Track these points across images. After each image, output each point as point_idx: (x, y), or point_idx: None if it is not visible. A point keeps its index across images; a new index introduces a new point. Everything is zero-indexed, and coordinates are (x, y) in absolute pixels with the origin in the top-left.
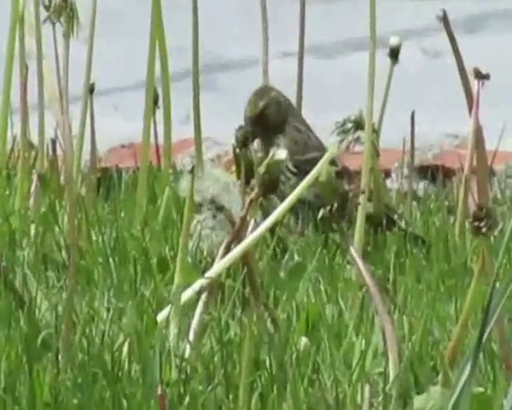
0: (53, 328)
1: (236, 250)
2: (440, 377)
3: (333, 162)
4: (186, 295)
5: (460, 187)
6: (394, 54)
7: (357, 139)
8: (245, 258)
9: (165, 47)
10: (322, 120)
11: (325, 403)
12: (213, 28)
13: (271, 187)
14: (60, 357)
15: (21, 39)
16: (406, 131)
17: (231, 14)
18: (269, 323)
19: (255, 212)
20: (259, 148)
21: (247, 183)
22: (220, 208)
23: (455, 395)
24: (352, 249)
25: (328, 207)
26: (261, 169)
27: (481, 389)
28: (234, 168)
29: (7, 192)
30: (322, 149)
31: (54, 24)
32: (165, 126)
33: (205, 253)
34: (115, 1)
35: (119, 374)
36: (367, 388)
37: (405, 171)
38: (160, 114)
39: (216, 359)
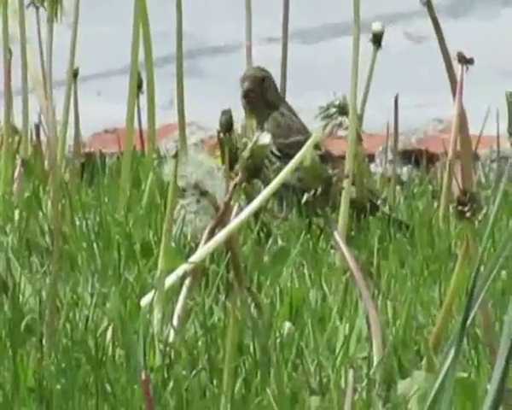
0: (37, 313)
1: (220, 235)
2: (424, 361)
3: (316, 147)
4: (170, 280)
5: (444, 172)
6: (377, 39)
7: (341, 124)
8: (229, 243)
9: (149, 32)
10: (306, 104)
11: (309, 388)
12: (197, 13)
13: (255, 172)
14: (43, 342)
15: (5, 23)
16: (390, 115)
17: None
18: (252, 308)
19: (239, 197)
20: (247, 118)
21: (231, 168)
22: (204, 193)
23: (439, 380)
24: (335, 234)
25: (312, 192)
26: (245, 154)
27: (465, 374)
28: (218, 153)
29: None
30: (305, 133)
31: (37, 8)
32: (148, 111)
33: (188, 238)
34: None
35: (103, 359)
36: (351, 372)
37: (389, 155)
38: (143, 99)
39: (200, 344)
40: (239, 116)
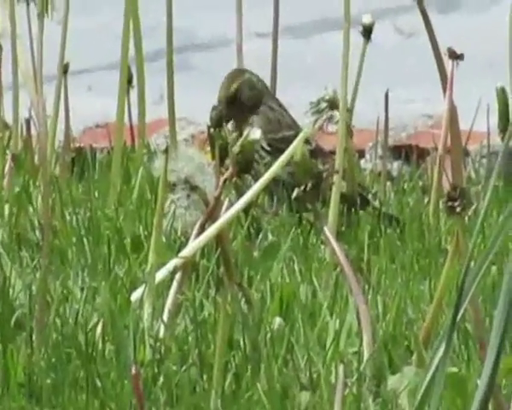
0: (27, 308)
1: (210, 230)
2: (414, 357)
3: (307, 142)
4: (160, 274)
5: (434, 167)
6: (367, 32)
7: (331, 118)
8: (219, 238)
9: (140, 27)
10: (297, 99)
11: (299, 383)
12: (187, 7)
13: (245, 167)
14: (34, 337)
15: None
16: (380, 111)
17: None
18: (243, 303)
19: (229, 191)
20: (234, 128)
21: (222, 163)
22: (194, 188)
23: (429, 375)
24: (325, 229)
25: (303, 187)
26: (235, 149)
27: (455, 369)
28: (208, 148)
29: None
30: (295, 128)
31: (28, 3)
32: (139, 106)
33: (179, 232)
34: None
35: (93, 354)
36: (341, 368)
37: (379, 151)
38: (134, 94)
39: (190, 339)
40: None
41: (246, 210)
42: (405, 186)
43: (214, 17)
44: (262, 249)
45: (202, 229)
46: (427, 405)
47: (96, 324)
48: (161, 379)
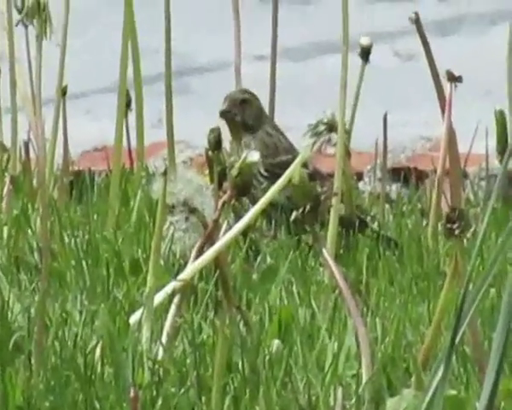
0: (25, 331)
1: (209, 253)
2: (413, 379)
3: (304, 165)
4: (159, 297)
5: (433, 189)
6: (365, 54)
7: (330, 141)
8: (217, 260)
9: (138, 50)
10: (295, 122)
11: (298, 406)
12: (186, 31)
13: (244, 190)
14: (32, 360)
15: None
16: (379, 133)
17: (204, 16)
18: (241, 325)
19: (228, 214)
20: (231, 148)
21: (220, 185)
22: (193, 211)
23: (428, 398)
24: (324, 252)
25: (301, 210)
26: (234, 172)
27: (454, 392)
28: (206, 171)
29: None
30: (293, 152)
31: (26, 26)
32: (137, 129)
33: (177, 255)
34: (87, 1)
35: (92, 377)
36: (340, 390)
37: (378, 173)
38: (132, 117)
39: (189, 361)
40: (227, 134)
41: (244, 233)
42: (404, 209)
43: (212, 40)
44: (260, 272)
45: (201, 251)
46: None
47: (95, 346)
48: (160, 402)
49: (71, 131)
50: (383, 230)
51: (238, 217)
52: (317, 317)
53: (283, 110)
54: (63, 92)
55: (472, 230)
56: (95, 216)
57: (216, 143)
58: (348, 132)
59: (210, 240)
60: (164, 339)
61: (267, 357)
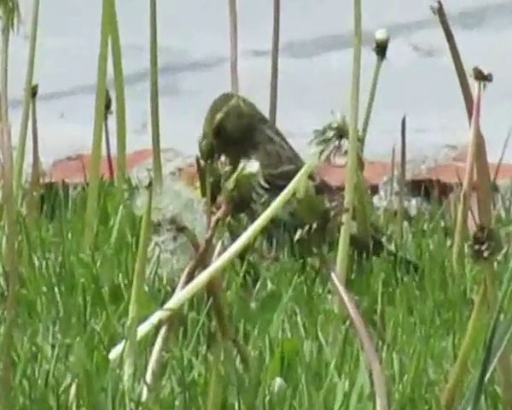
0: None
1: (200, 278)
2: None
3: (309, 177)
4: (143, 329)
5: (458, 205)
6: (381, 49)
7: (339, 149)
8: (210, 287)
9: (119, 44)
10: (299, 126)
11: None
12: (175, 23)
13: (241, 205)
14: None
15: None
16: (396, 140)
17: (194, 5)
18: (238, 361)
19: (222, 233)
20: (227, 162)
21: (213, 200)
22: (182, 229)
23: None
24: (333, 276)
25: (307, 228)
26: (229, 184)
27: None
28: (198, 183)
29: None
30: (297, 162)
31: None
32: (118, 135)
33: (164, 281)
34: None
35: None
36: None
37: (395, 186)
38: (112, 120)
39: (177, 403)
40: None
41: (241, 255)
42: (425, 227)
43: (205, 32)
44: (260, 300)
45: (191, 277)
46: None
47: (70, 386)
48: None
49: (42, 137)
50: (401, 251)
51: (234, 236)
52: (325, 351)
53: (285, 113)
54: (33, 92)
55: (503, 251)
56: (69, 235)
57: (209, 152)
58: (361, 139)
59: (202, 263)
60: (148, 377)
61: (267, 398)
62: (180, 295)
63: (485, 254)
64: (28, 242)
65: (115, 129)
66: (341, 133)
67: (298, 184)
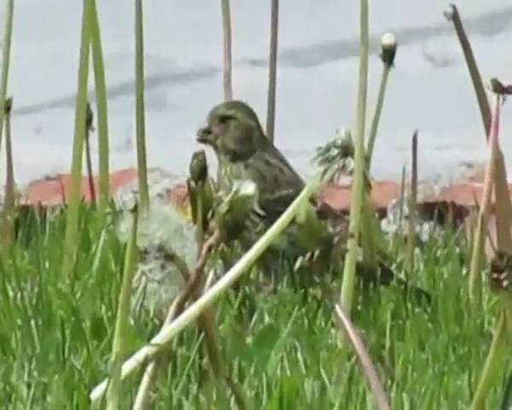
0: None
1: (191, 310)
2: None
3: (310, 200)
4: (127, 366)
5: (475, 230)
6: (388, 55)
7: (344, 169)
8: (202, 320)
9: (101, 54)
10: (300, 144)
11: None
12: (163, 32)
13: (235, 231)
14: None
15: None
16: (407, 158)
17: (183, 12)
18: (232, 402)
19: (215, 262)
20: (220, 178)
21: (205, 225)
22: (170, 257)
23: None
24: (337, 308)
25: (308, 256)
26: (222, 208)
27: None
28: (188, 207)
29: None
30: (297, 185)
31: None
32: (100, 153)
33: (151, 313)
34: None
35: None
36: None
37: (405, 209)
38: (94, 137)
39: None
40: (214, 160)
41: (236, 285)
42: (438, 254)
43: (195, 41)
44: (257, 335)
45: (181, 309)
46: None
47: None
48: None
49: (16, 155)
50: (412, 280)
51: (228, 265)
52: (329, 391)
53: (284, 129)
54: (7, 106)
55: None
56: (46, 264)
57: (200, 172)
58: (368, 158)
59: (192, 294)
60: None
61: None
62: (169, 329)
63: (505, 283)
64: (1, 270)
65: (97, 146)
66: (346, 151)
67: (298, 208)
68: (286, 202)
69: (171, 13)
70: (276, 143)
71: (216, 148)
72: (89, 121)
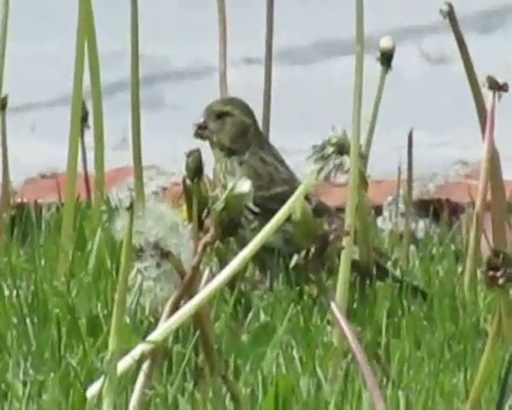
0: None
1: (186, 308)
2: None
3: (306, 199)
4: (123, 364)
5: (470, 227)
6: (386, 58)
7: (340, 167)
8: (197, 317)
9: (97, 52)
10: (295, 142)
11: None
12: (157, 27)
13: (231, 228)
14: None
15: None
16: (402, 156)
17: (179, 11)
18: (228, 400)
19: (210, 260)
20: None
21: (201, 223)
22: (166, 255)
23: None
24: (333, 306)
25: (304, 253)
26: (218, 205)
27: None
28: (184, 204)
29: None
30: (292, 183)
31: None
32: (96, 151)
33: (147, 311)
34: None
35: None
36: None
37: (401, 207)
38: (89, 135)
39: None
40: (210, 158)
41: (231, 283)
42: (434, 251)
43: (191, 39)
44: (252, 332)
45: (176, 306)
46: None
47: None
48: None
49: (12, 153)
50: (408, 278)
51: (223, 263)
52: (324, 389)
53: (280, 127)
54: (2, 104)
55: None
56: (42, 261)
57: (196, 170)
58: (364, 156)
59: (188, 292)
60: None
61: None
62: (164, 327)
63: (500, 281)
64: None
65: (93, 144)
66: (342, 149)
67: (294, 205)
68: (281, 199)
69: (166, 11)
70: (272, 142)
71: (212, 144)
72: (84, 119)
